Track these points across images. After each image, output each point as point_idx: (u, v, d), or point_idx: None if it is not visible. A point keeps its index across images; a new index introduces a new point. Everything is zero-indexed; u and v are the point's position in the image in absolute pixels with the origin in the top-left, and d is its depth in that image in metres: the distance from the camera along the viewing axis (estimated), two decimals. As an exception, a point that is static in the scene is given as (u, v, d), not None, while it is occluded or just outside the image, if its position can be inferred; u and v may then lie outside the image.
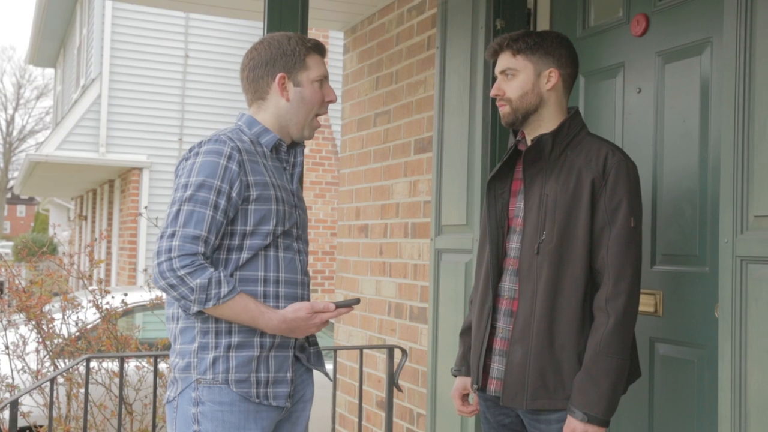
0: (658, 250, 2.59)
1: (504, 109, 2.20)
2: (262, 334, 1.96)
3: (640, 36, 2.71)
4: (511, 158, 2.26)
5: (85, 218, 16.80)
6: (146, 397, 3.82)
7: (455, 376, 2.42)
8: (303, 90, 2.07)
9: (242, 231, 1.96)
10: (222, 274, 1.89)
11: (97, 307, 3.87)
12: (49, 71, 29.80)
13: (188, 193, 1.90)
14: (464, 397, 2.39)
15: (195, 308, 1.88)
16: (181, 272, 1.85)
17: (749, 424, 1.99)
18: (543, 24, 3.19)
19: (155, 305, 4.14)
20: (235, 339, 1.93)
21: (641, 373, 2.20)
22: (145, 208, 10.63)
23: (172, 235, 1.87)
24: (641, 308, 2.58)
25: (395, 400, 3.78)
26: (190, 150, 1.98)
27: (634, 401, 2.59)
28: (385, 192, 4.10)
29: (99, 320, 3.95)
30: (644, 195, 2.62)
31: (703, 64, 2.47)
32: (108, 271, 13.27)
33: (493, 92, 2.22)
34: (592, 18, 3.00)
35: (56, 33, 16.38)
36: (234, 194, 1.93)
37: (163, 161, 11.76)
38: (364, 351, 3.97)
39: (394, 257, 3.98)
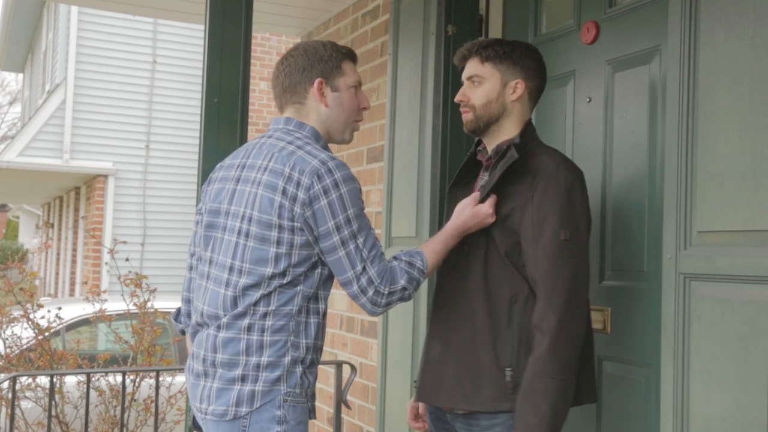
0: (606, 265, 2.51)
1: (467, 116, 2.16)
2: (320, 351, 2.03)
3: (591, 44, 2.63)
4: (474, 166, 2.23)
5: (52, 225, 16.53)
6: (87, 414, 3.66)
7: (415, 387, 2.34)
8: (341, 95, 2.08)
9: None
10: (405, 257, 1.99)
11: (30, 320, 3.71)
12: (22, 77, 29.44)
13: (354, 226, 1.93)
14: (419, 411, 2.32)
15: (415, 293, 2.00)
16: (386, 290, 1.92)
17: (692, 448, 1.90)
18: (495, 30, 3.11)
19: (98, 318, 3.99)
20: (311, 356, 1.97)
21: (596, 398, 2.11)
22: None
23: (364, 269, 1.92)
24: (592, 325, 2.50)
25: (346, 417, 3.66)
26: (320, 179, 1.91)
27: (583, 422, 2.50)
28: (339, 202, 3.99)
29: (42, 335, 3.79)
30: (593, 207, 2.55)
31: (652, 73, 2.39)
32: (72, 280, 13.02)
33: (457, 97, 2.18)
34: (544, 25, 2.92)
35: (23, 38, 16.13)
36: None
37: (129, 168, 11.55)
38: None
39: (346, 269, 3.87)
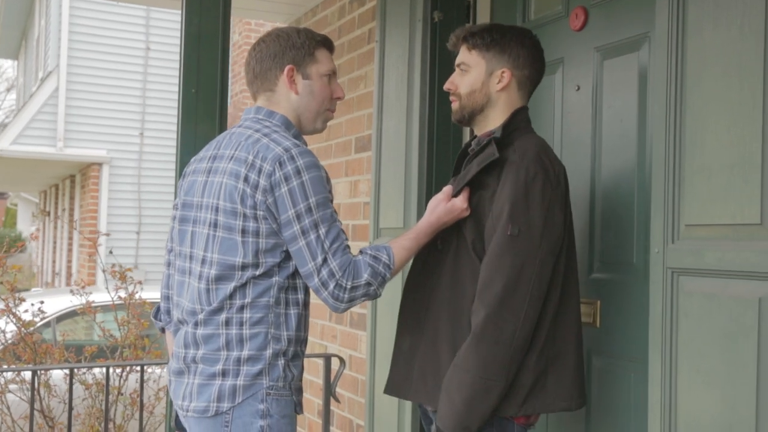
0: (595, 257, 2.46)
1: (454, 105, 2.12)
2: (304, 343, 1.99)
3: (579, 30, 2.57)
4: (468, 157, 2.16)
5: (48, 213, 16.47)
6: (73, 408, 3.62)
7: None
8: (312, 83, 2.03)
9: None
10: (370, 251, 1.93)
11: (13, 314, 3.67)
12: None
13: (316, 215, 1.86)
14: None
15: (381, 291, 1.93)
16: (349, 284, 1.86)
17: (680, 447, 1.86)
18: (483, 17, 3.04)
19: (84, 311, 3.94)
20: (293, 348, 1.94)
21: (577, 406, 2.00)
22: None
23: (325, 261, 1.86)
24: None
25: (336, 410, 3.62)
26: (281, 165, 1.85)
27: (572, 416, 2.45)
28: (327, 192, 3.94)
29: (25, 329, 3.74)
30: (582, 199, 2.50)
31: (641, 61, 2.33)
32: (69, 269, 12.98)
33: (446, 85, 2.13)
34: (532, 11, 2.85)
35: (17, 23, 15.99)
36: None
37: (123, 156, 11.48)
38: (307, 358, 3.81)
39: (335, 260, 3.82)
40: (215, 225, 1.91)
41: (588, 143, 2.50)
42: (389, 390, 2.12)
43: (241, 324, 1.89)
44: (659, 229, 1.94)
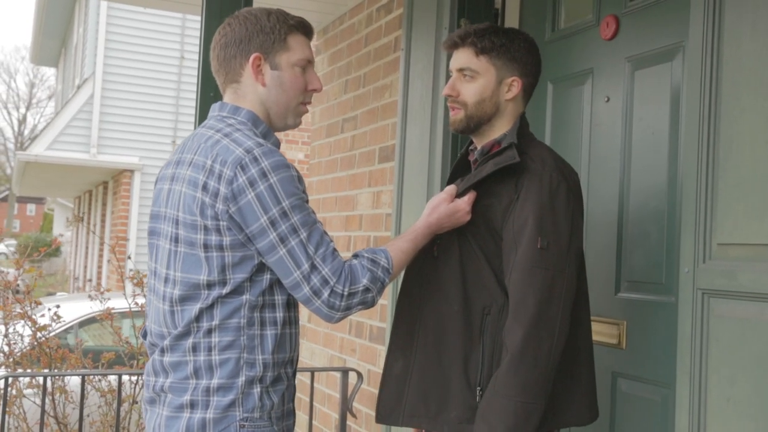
0: (622, 276, 2.35)
1: (457, 114, 1.92)
2: (290, 364, 1.76)
3: (610, 39, 2.47)
4: (465, 165, 2.02)
5: (82, 219, 16.66)
6: (88, 415, 3.59)
7: None
8: (282, 74, 1.77)
9: None
10: (367, 254, 1.74)
11: (29, 318, 3.65)
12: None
13: (293, 220, 1.64)
14: None
15: (378, 298, 1.74)
16: (346, 290, 1.66)
17: (708, 481, 1.75)
18: (512, 25, 2.95)
19: (103, 317, 3.91)
20: (272, 373, 1.71)
21: (590, 419, 1.91)
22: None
23: (313, 267, 1.65)
24: (602, 339, 2.35)
25: (352, 425, 3.54)
26: (243, 169, 1.63)
27: (595, 441, 2.34)
28: (350, 202, 3.87)
29: (40, 334, 3.72)
30: (609, 214, 2.40)
31: (674, 72, 2.23)
32: (99, 274, 13.09)
33: (446, 91, 1.93)
34: (562, 20, 2.76)
35: (56, 32, 16.27)
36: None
37: (155, 164, 11.56)
38: (325, 372, 3.74)
39: (357, 272, 3.75)
40: (176, 239, 1.70)
41: (617, 157, 2.40)
42: (381, 418, 1.92)
43: (209, 349, 1.67)
44: (690, 247, 1.83)
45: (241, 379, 1.67)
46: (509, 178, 1.82)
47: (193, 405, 1.67)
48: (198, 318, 1.67)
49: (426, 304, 1.86)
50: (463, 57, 1.92)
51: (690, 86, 1.91)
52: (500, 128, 1.93)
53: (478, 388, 1.78)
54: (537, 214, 1.75)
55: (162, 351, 1.72)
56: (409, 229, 1.86)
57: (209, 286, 1.66)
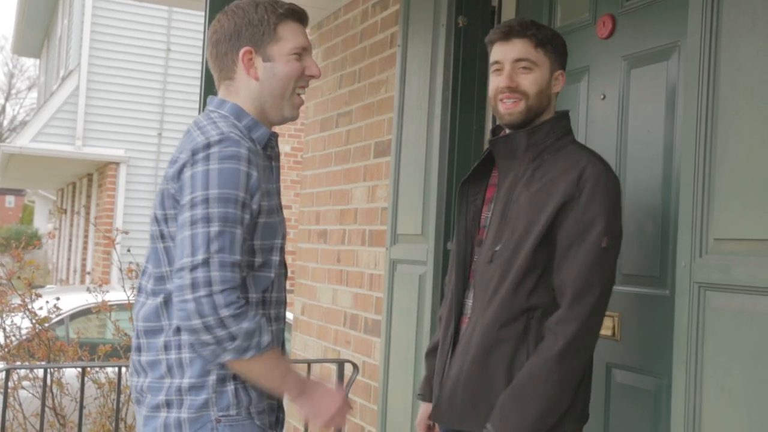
0: (618, 269, 2.39)
1: (517, 106, 1.91)
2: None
3: (606, 38, 2.53)
4: (489, 162, 2.04)
5: (65, 211, 16.56)
6: (85, 407, 3.61)
7: (421, 401, 2.20)
8: (275, 65, 1.71)
9: (260, 246, 1.66)
10: (262, 319, 1.60)
11: (29, 310, 3.66)
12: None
13: (213, 210, 1.55)
14: (430, 427, 2.14)
15: (228, 357, 1.56)
16: (224, 313, 1.52)
17: (703, 467, 1.81)
18: (508, 23, 3.00)
19: (99, 309, 3.93)
20: None
21: (588, 416, 1.98)
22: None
23: (206, 262, 1.52)
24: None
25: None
26: (194, 153, 1.59)
27: (589, 431, 2.40)
28: (345, 196, 3.91)
29: (40, 326, 3.74)
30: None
31: (670, 70, 2.29)
32: (84, 266, 13.03)
33: (505, 82, 1.90)
34: (558, 18, 2.81)
35: (39, 22, 16.13)
36: (254, 206, 1.62)
37: (141, 156, 11.53)
38: (319, 363, 3.78)
39: (351, 265, 3.79)
40: (153, 236, 1.68)
41: (612, 153, 2.45)
42: (437, 418, 1.96)
43: (179, 347, 1.62)
44: (687, 242, 1.89)
45: (212, 378, 1.62)
46: (570, 171, 1.85)
47: (169, 404, 1.63)
48: (168, 314, 1.63)
49: (482, 313, 1.88)
50: (521, 47, 1.93)
51: (687, 85, 1.96)
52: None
53: None
54: (605, 215, 1.81)
55: (138, 349, 1.69)
56: (294, 371, 1.70)
57: (169, 278, 1.61)
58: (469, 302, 1.98)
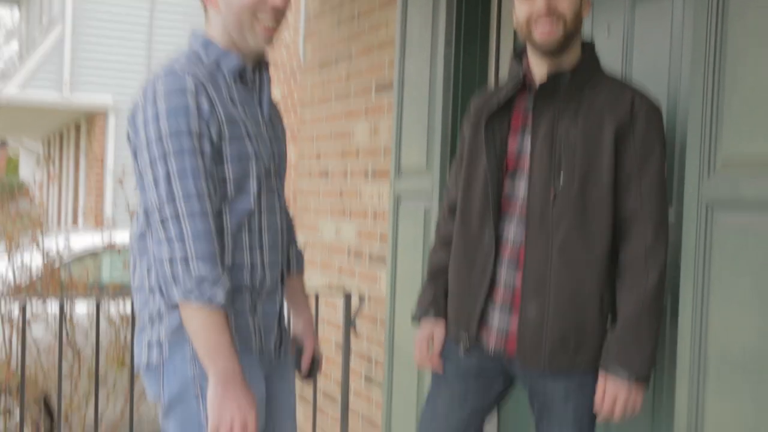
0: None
1: (557, 29, 1.87)
2: (253, 268, 1.74)
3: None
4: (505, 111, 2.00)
5: (53, 161, 16.46)
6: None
7: (418, 318, 2.19)
8: None
9: (233, 175, 1.69)
10: (225, 278, 1.64)
11: (43, 250, 3.71)
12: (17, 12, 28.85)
13: (167, 147, 1.60)
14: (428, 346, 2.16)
15: (174, 294, 1.61)
16: (198, 271, 1.61)
17: (708, 376, 1.91)
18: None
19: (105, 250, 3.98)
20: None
21: None
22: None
23: (176, 216, 1.60)
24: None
25: (352, 346, 3.69)
26: (144, 93, 1.64)
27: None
28: (346, 135, 3.95)
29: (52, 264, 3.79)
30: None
31: (675, 3, 2.32)
32: (75, 212, 13.03)
33: (544, 6, 1.85)
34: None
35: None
36: (213, 135, 1.64)
37: (129, 102, 11.44)
38: (325, 297, 3.87)
39: (354, 200, 3.86)
40: (135, 171, 1.78)
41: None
42: (522, 364, 1.96)
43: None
44: (695, 162, 1.96)
45: None
46: (621, 99, 1.91)
47: (152, 323, 1.72)
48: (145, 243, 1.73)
49: (551, 252, 1.89)
50: None
51: (696, 4, 1.99)
52: (575, 50, 1.95)
53: (614, 323, 1.90)
54: (661, 144, 1.91)
55: (133, 271, 1.78)
56: (228, 348, 1.65)
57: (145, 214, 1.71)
58: (510, 232, 1.96)
